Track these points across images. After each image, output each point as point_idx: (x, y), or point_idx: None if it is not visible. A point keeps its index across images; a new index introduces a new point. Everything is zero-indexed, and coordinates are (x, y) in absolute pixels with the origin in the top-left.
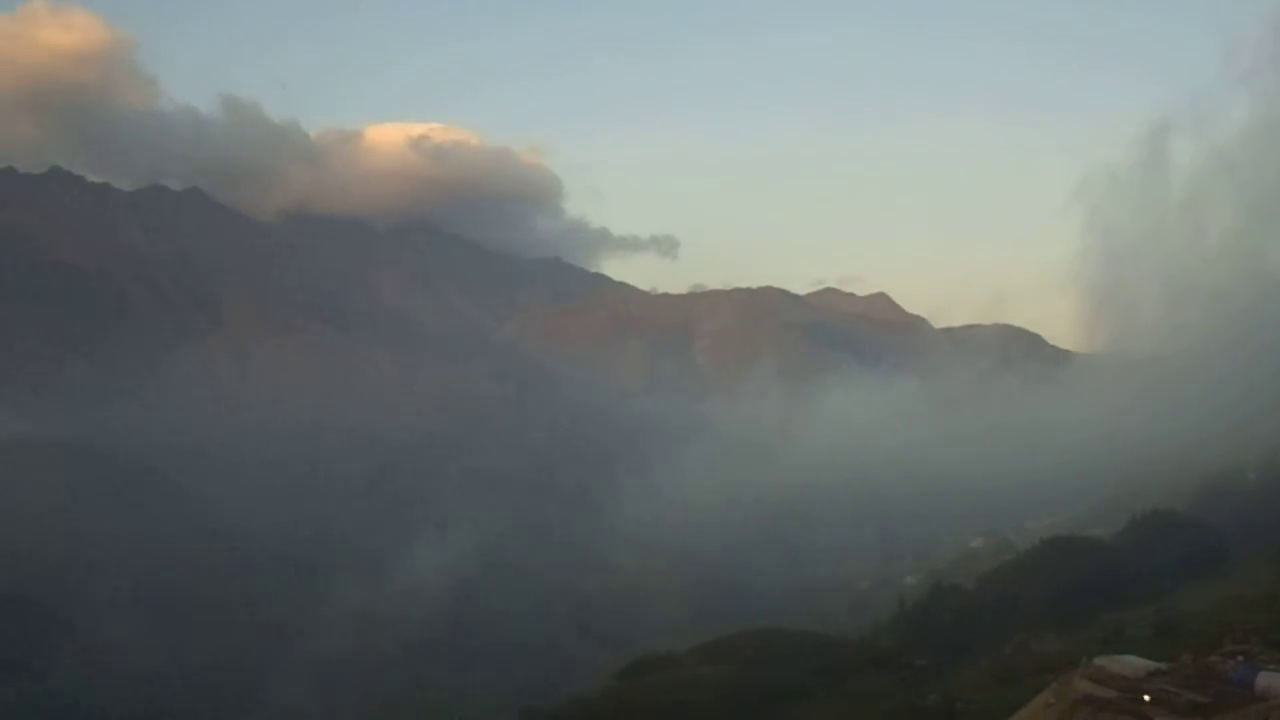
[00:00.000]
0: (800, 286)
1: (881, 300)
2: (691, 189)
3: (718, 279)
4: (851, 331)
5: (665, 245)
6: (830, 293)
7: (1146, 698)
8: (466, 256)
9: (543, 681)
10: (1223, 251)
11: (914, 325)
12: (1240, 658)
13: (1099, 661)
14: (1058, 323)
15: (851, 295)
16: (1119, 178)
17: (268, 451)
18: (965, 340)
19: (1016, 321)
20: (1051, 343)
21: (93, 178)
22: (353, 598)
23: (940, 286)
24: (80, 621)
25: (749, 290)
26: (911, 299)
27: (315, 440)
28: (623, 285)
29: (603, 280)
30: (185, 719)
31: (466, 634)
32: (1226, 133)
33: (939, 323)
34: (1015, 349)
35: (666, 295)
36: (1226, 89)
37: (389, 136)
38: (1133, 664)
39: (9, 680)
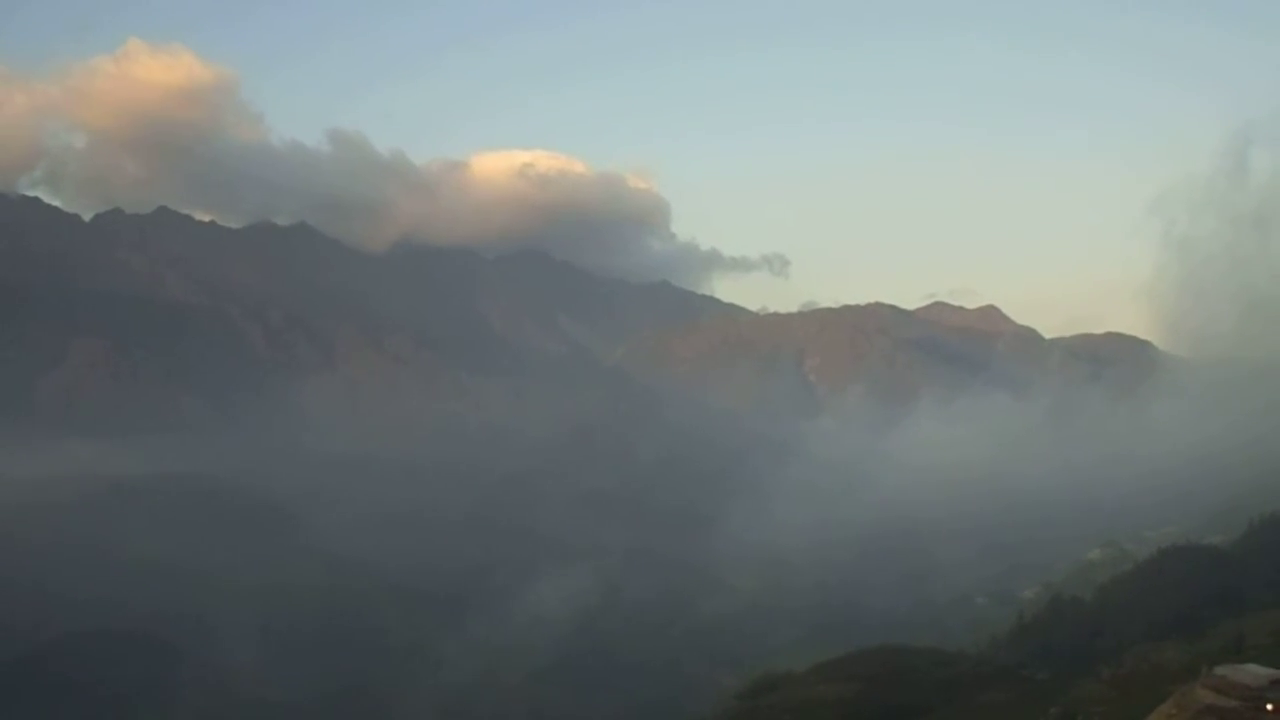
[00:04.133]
0: (910, 301)
1: (991, 312)
2: (802, 207)
3: (828, 296)
4: (962, 345)
5: (776, 264)
6: (939, 306)
7: (1269, 706)
8: (575, 282)
9: (664, 704)
10: None
11: (1025, 336)
12: None
13: (1220, 671)
14: (1168, 329)
15: (961, 309)
16: (1203, 186)
17: (383, 482)
18: (1077, 350)
19: (1128, 329)
20: (1164, 350)
21: (200, 216)
22: (473, 626)
23: (1050, 296)
24: (203, 654)
25: (858, 307)
26: (1022, 310)
27: (430, 469)
28: (731, 306)
29: (711, 302)
30: None
31: (587, 658)
32: None
33: (1049, 333)
34: (1127, 357)
35: (775, 315)
36: None
37: (495, 165)
38: (1254, 672)
39: (137, 713)
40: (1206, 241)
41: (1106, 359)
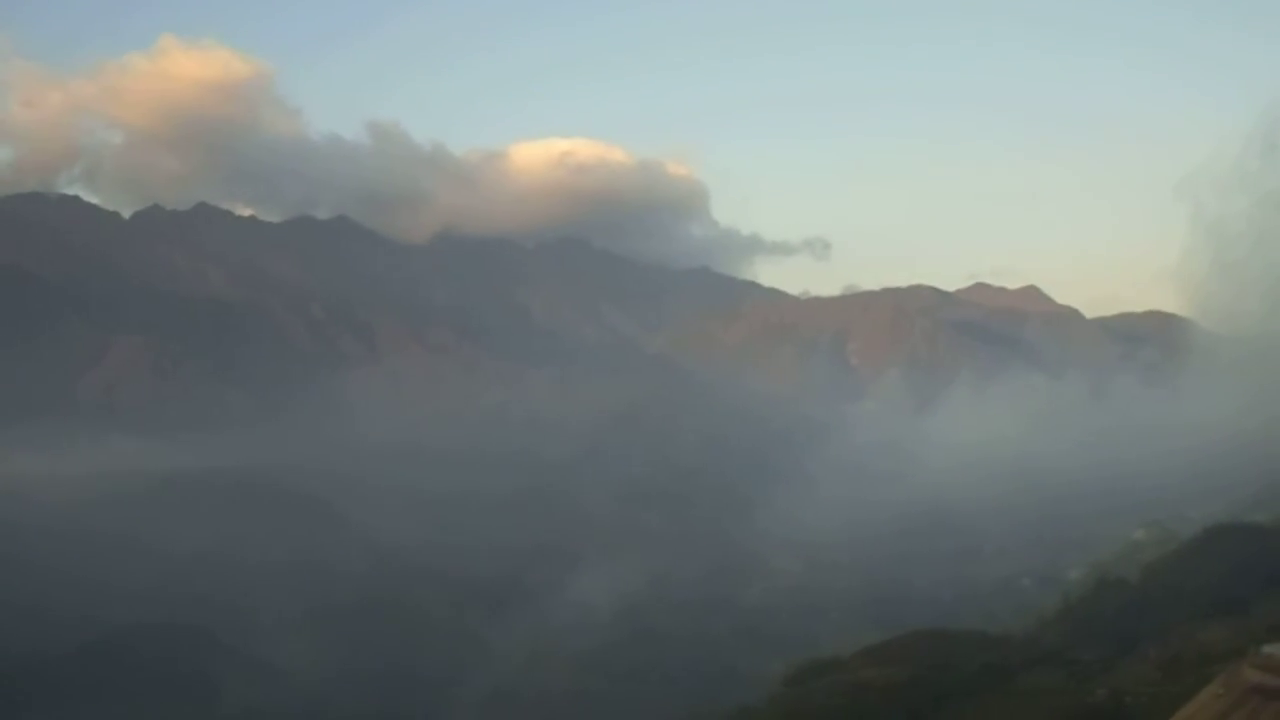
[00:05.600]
0: (951, 283)
1: (1032, 293)
2: (843, 190)
3: (870, 279)
4: (1003, 326)
5: (817, 248)
6: (980, 288)
7: None
8: (615, 270)
9: (710, 689)
10: None
11: (1066, 316)
12: None
13: (1267, 650)
14: (1205, 308)
15: (1002, 289)
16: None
17: (427, 471)
18: (1117, 328)
19: (1169, 307)
20: (1204, 327)
21: (240, 211)
22: (518, 613)
23: (1091, 275)
24: (249, 645)
25: (900, 289)
26: (1063, 289)
27: (473, 459)
28: (773, 291)
29: (753, 288)
30: None
31: (632, 645)
32: None
33: (1091, 312)
34: (1168, 335)
35: (817, 299)
36: None
37: (534, 154)
38: None
39: (183, 704)
40: (1235, 220)
41: (1147, 337)
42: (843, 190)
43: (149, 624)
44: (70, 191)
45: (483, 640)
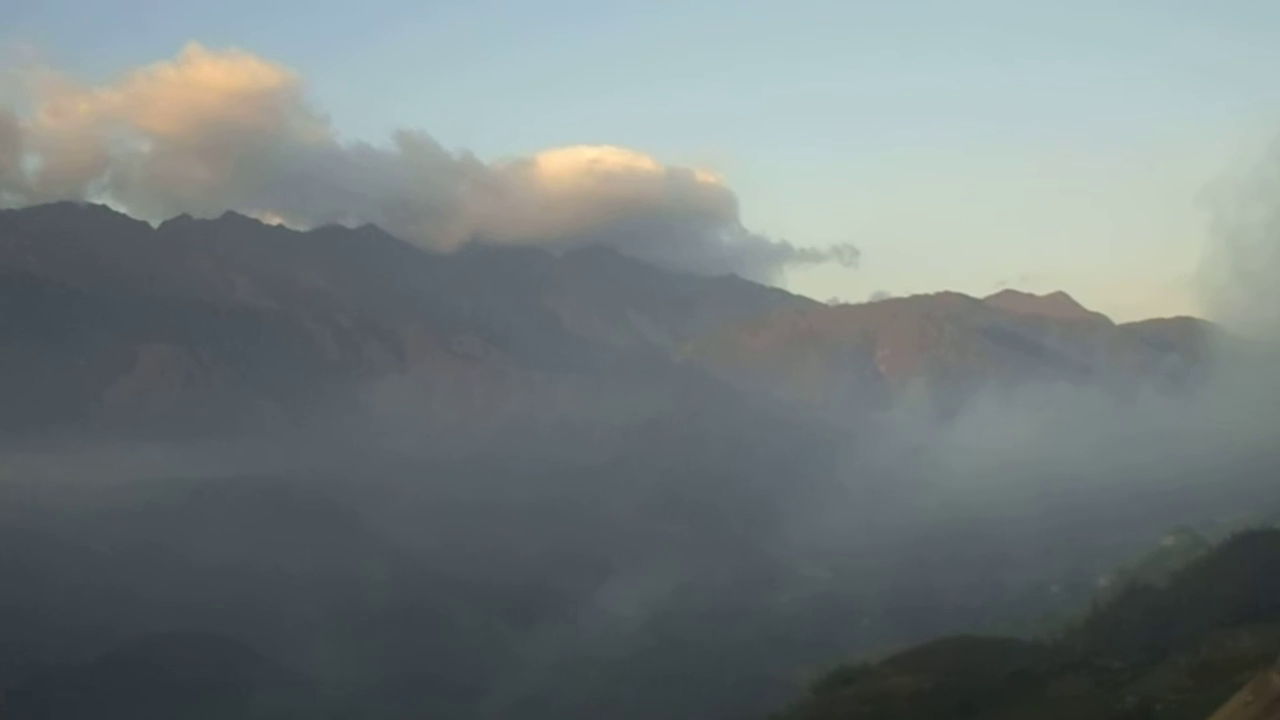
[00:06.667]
0: (980, 289)
1: (1061, 299)
2: (872, 197)
3: (899, 286)
4: (1031, 333)
5: (846, 255)
6: (1009, 294)
7: None
8: (643, 278)
9: (738, 699)
10: None
11: (1095, 323)
12: None
13: None
14: (1230, 314)
15: (1030, 295)
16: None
17: (454, 480)
18: (1147, 335)
19: (1198, 314)
20: (1233, 334)
21: (269, 220)
22: (545, 622)
23: (1119, 282)
24: (275, 657)
25: (928, 296)
26: (1092, 295)
27: (500, 467)
28: (800, 298)
29: (781, 295)
30: None
31: (661, 653)
32: None
33: (1119, 319)
34: (1197, 341)
35: (845, 306)
36: None
37: (562, 162)
38: None
39: (212, 712)
40: (1255, 228)
41: (1174, 343)
42: (871, 197)
43: (176, 633)
44: (99, 201)
45: (510, 649)
